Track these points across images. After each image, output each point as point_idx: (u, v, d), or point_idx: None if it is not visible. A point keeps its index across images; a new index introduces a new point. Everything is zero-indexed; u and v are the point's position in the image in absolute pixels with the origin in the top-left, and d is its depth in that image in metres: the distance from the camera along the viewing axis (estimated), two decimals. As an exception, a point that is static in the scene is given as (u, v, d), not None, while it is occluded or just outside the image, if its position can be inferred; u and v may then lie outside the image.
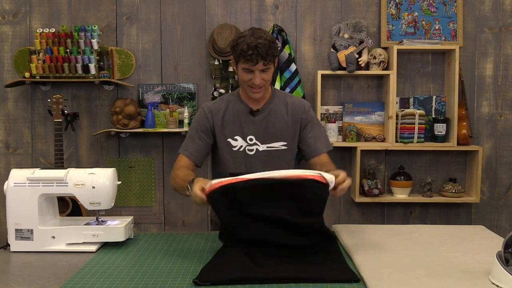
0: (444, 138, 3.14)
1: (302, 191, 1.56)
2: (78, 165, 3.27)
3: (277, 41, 3.09)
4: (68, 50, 3.07)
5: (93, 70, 3.07)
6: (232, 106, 2.04)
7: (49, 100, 3.04)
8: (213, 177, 2.06)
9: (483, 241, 1.73)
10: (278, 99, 2.06)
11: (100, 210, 1.75)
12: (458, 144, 3.10)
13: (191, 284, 1.35)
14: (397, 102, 3.21)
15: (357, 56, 3.08)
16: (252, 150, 2.02)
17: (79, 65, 3.06)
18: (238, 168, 2.00)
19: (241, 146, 2.02)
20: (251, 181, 1.55)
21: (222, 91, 3.16)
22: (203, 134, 2.04)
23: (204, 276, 1.37)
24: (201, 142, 2.03)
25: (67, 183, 1.69)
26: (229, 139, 2.03)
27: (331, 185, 1.59)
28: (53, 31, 3.09)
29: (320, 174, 1.60)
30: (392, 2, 3.22)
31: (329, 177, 1.60)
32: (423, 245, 1.68)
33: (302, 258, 1.50)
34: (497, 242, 1.64)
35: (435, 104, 3.23)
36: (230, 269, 1.41)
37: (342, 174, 1.65)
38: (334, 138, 3.14)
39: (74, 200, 2.99)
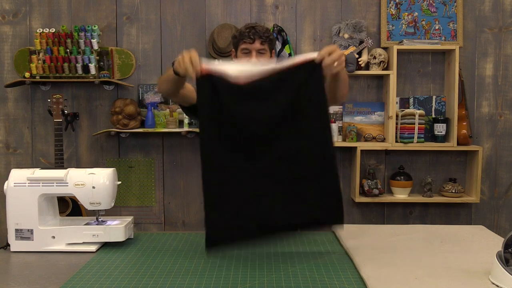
0: (444, 138, 3.14)
1: (295, 81, 1.53)
2: (78, 165, 3.27)
3: (277, 41, 3.12)
4: (68, 50, 3.07)
5: (93, 70, 3.07)
6: None
7: (49, 100, 3.04)
8: None
9: (483, 241, 1.73)
10: None
11: (100, 210, 1.74)
12: (458, 144, 3.10)
13: (191, 284, 1.35)
14: (397, 102, 3.21)
15: (357, 56, 3.08)
16: None
17: (79, 65, 3.06)
18: None
19: None
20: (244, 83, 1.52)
21: (222, 91, 3.15)
22: None
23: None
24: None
25: (67, 183, 1.69)
26: None
27: (317, 58, 1.53)
28: (53, 31, 3.09)
29: (304, 57, 1.54)
30: (392, 2, 3.22)
31: (311, 55, 1.54)
32: (423, 245, 1.68)
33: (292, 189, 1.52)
34: (497, 242, 1.64)
35: (435, 104, 3.23)
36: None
37: (326, 48, 1.55)
38: (334, 138, 3.14)
39: (74, 200, 2.99)
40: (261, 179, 1.53)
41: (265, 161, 1.54)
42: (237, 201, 1.53)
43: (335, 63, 1.54)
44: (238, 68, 1.56)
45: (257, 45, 1.95)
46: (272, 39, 2.00)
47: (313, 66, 1.52)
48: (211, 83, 1.53)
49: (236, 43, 2.00)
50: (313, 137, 1.54)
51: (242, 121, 1.53)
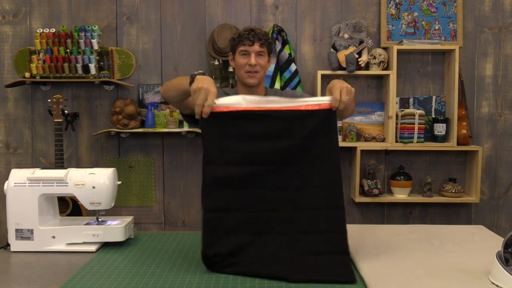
0: (444, 138, 3.14)
1: (306, 123, 1.50)
2: (78, 165, 3.27)
3: (277, 41, 3.12)
4: (68, 50, 3.07)
5: (93, 70, 3.07)
6: None
7: (49, 100, 3.04)
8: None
9: (483, 241, 1.74)
10: (270, 93, 2.10)
11: (100, 210, 1.75)
12: (458, 144, 3.10)
13: (191, 284, 1.35)
14: (397, 102, 3.21)
15: (357, 56, 3.08)
16: None
17: (79, 65, 3.06)
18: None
19: None
20: (253, 113, 1.48)
21: (222, 91, 3.16)
22: None
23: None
24: None
25: (67, 183, 1.69)
26: None
27: (333, 106, 1.51)
28: (53, 31, 3.09)
29: (318, 102, 1.52)
30: (392, 2, 3.22)
31: (326, 99, 1.52)
32: (423, 245, 1.68)
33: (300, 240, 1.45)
34: (497, 242, 1.64)
35: (435, 104, 3.23)
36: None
37: (335, 88, 1.54)
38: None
39: (74, 200, 2.99)
40: (267, 218, 1.49)
41: (270, 200, 1.50)
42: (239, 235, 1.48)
43: (346, 99, 1.53)
44: (250, 101, 1.53)
45: (256, 47, 1.97)
46: (270, 43, 2.03)
47: (328, 113, 1.51)
48: (216, 124, 1.50)
49: (235, 45, 2.01)
50: (323, 177, 1.52)
51: (248, 159, 1.50)
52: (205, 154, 1.51)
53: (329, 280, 1.36)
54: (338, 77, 3.23)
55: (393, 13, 3.23)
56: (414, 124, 3.08)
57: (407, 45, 3.11)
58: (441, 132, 3.13)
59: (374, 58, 3.12)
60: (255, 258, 1.43)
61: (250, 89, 2.01)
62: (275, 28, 3.14)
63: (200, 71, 1.59)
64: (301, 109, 1.50)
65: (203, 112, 1.48)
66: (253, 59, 1.96)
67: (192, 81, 1.55)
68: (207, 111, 1.48)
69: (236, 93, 2.04)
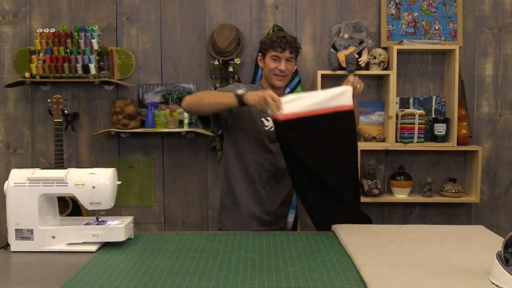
0: (444, 138, 3.14)
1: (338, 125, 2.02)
2: (78, 165, 3.27)
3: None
4: (68, 50, 3.07)
5: (93, 70, 3.07)
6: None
7: (49, 100, 3.04)
8: (227, 172, 2.31)
9: (483, 241, 1.73)
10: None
11: (100, 210, 1.74)
12: (458, 144, 3.10)
13: (191, 284, 1.35)
14: (397, 102, 3.21)
15: (357, 56, 3.08)
16: None
17: (79, 65, 3.07)
18: (268, 149, 2.21)
19: (271, 127, 2.15)
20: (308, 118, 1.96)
21: (222, 91, 3.15)
22: None
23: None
24: None
25: (67, 183, 1.69)
26: (262, 119, 2.19)
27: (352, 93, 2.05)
28: (53, 31, 3.09)
29: (341, 104, 2.02)
30: (392, 2, 3.22)
31: (347, 92, 2.04)
32: (423, 245, 1.68)
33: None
34: (497, 242, 1.64)
35: (435, 104, 3.23)
36: None
37: (350, 79, 2.05)
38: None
39: (74, 200, 2.99)
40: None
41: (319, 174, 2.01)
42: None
43: (359, 85, 2.06)
44: (300, 104, 1.97)
45: (286, 54, 2.14)
46: (298, 49, 2.20)
47: (349, 113, 2.04)
48: (285, 127, 1.92)
49: (265, 49, 2.17)
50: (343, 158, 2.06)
51: (303, 152, 1.97)
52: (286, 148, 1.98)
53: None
54: (338, 77, 3.24)
55: (393, 13, 3.23)
56: (414, 124, 3.08)
57: (407, 45, 3.11)
58: (441, 132, 3.13)
59: (374, 58, 3.12)
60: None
61: (274, 89, 2.16)
62: (275, 28, 3.14)
63: (243, 90, 1.93)
64: (333, 111, 2.01)
65: (277, 109, 1.87)
66: (283, 65, 2.14)
67: (241, 100, 1.92)
68: (279, 110, 1.88)
69: (262, 88, 2.24)
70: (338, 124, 2.01)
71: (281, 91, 2.24)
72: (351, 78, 2.05)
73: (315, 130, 2.00)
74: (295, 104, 1.96)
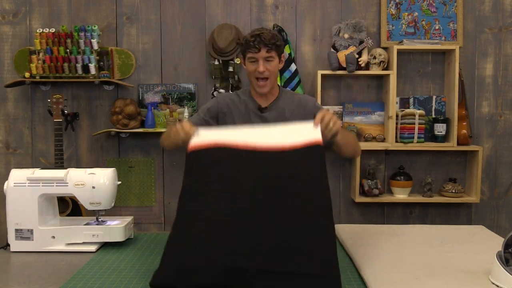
0: (444, 138, 3.14)
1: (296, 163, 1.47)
2: (78, 165, 3.27)
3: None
4: (68, 50, 3.07)
5: (93, 70, 3.07)
6: (243, 101, 2.07)
7: (49, 100, 3.04)
8: None
9: (483, 241, 1.73)
10: (285, 96, 2.08)
11: (100, 210, 1.75)
12: (458, 144, 3.10)
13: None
14: (397, 102, 3.21)
15: (357, 56, 3.08)
16: None
17: (79, 65, 3.06)
18: None
19: None
20: (239, 151, 1.51)
21: (222, 91, 3.15)
22: (210, 119, 2.06)
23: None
24: (205, 123, 2.03)
25: (67, 183, 1.69)
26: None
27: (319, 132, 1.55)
28: (53, 31, 3.09)
29: (307, 138, 1.52)
30: (392, 2, 3.22)
31: (313, 131, 1.55)
32: (423, 245, 1.68)
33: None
34: (497, 242, 1.64)
35: (435, 104, 3.23)
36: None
37: (318, 115, 1.62)
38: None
39: (74, 200, 2.99)
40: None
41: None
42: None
43: (331, 124, 1.61)
44: (237, 136, 1.58)
45: (263, 53, 1.94)
46: (279, 45, 1.98)
47: (316, 148, 1.50)
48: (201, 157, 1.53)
49: (243, 51, 2.01)
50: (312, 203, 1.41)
51: (236, 189, 1.44)
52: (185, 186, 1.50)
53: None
54: (338, 77, 3.24)
55: (393, 13, 3.23)
56: (414, 124, 3.08)
57: (407, 45, 3.11)
58: (441, 132, 3.13)
59: (374, 58, 3.12)
60: None
61: (261, 95, 2.03)
62: (275, 28, 3.14)
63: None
64: (286, 149, 1.49)
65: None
66: (261, 67, 1.94)
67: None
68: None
69: (250, 95, 2.07)
70: (301, 160, 1.48)
71: (274, 92, 2.06)
72: (327, 116, 1.62)
73: (261, 161, 1.49)
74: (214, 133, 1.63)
